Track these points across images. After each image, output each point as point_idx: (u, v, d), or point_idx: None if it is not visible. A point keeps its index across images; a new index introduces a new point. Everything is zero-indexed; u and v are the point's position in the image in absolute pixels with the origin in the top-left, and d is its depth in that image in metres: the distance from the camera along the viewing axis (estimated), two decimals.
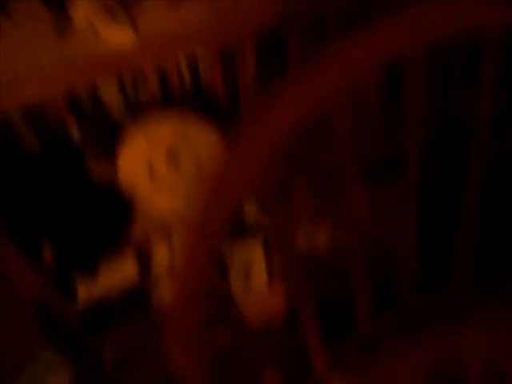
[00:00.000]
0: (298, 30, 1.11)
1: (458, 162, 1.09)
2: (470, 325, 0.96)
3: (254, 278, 1.47)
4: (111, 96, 1.17)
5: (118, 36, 0.89)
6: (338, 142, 0.75)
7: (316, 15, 1.01)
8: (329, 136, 0.75)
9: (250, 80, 1.15)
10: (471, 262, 0.96)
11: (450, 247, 1.02)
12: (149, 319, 1.48)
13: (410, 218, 0.86)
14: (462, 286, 0.99)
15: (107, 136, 1.22)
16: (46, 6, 0.91)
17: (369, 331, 0.96)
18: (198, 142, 1.22)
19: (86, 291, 1.39)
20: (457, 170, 1.07)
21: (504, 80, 0.83)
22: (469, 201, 0.88)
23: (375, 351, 0.97)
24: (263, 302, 1.52)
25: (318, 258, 1.37)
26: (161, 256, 1.41)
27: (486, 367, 0.90)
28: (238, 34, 0.98)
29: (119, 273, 1.40)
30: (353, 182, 0.78)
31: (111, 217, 1.27)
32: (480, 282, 1.01)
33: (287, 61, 1.16)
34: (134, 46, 0.90)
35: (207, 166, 1.21)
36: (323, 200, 1.34)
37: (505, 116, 1.14)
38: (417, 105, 0.78)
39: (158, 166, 1.22)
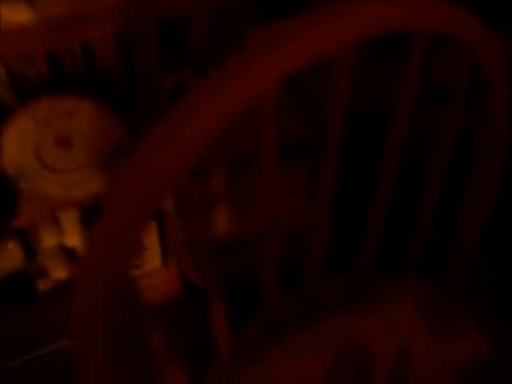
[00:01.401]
0: (202, 16, 1.08)
1: (374, 137, 1.13)
2: (376, 306, 0.99)
3: (148, 256, 1.45)
4: None
5: (16, 14, 0.81)
6: (258, 129, 0.74)
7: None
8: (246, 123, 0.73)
9: (149, 61, 1.11)
10: (377, 240, 0.99)
11: (354, 224, 1.04)
12: (35, 304, 1.42)
13: (323, 197, 0.87)
14: (367, 264, 1.02)
15: None
16: None
17: (274, 314, 0.96)
18: (91, 123, 1.16)
19: None
20: (371, 144, 1.10)
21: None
22: (382, 181, 0.90)
23: (280, 336, 0.97)
24: (157, 279, 1.50)
25: (225, 238, 1.36)
26: (48, 239, 1.34)
27: (395, 355, 0.93)
28: (138, 18, 0.93)
29: (3, 258, 1.33)
30: (268, 164, 0.76)
31: None
32: (384, 260, 1.04)
33: (188, 43, 1.13)
34: (32, 24, 0.83)
35: (100, 148, 1.16)
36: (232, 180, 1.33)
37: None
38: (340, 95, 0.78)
39: (47, 148, 1.15)
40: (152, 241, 1.42)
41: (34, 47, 0.89)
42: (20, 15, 0.82)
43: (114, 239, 0.64)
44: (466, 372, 0.93)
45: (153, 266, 1.48)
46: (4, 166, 1.14)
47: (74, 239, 1.36)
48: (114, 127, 1.17)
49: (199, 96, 0.66)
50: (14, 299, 1.40)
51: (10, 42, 0.87)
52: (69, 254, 1.39)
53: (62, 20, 0.85)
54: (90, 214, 1.36)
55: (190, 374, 1.19)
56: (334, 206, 0.90)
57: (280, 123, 0.78)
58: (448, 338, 0.97)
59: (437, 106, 1.23)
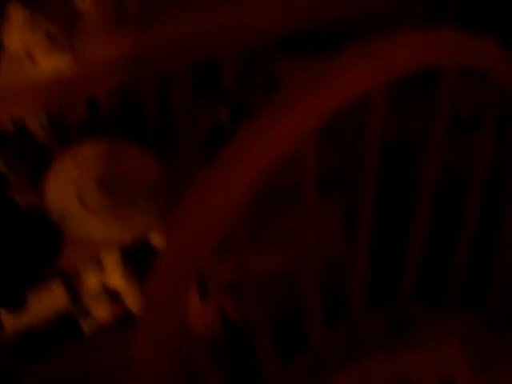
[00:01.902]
0: (234, 60, 1.11)
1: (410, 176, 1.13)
2: (418, 341, 0.98)
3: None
4: (36, 120, 1.13)
5: (55, 62, 0.84)
6: (300, 165, 0.75)
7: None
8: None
9: (185, 103, 1.14)
10: (417, 273, 0.98)
11: (395, 260, 1.04)
12: (80, 346, 1.44)
13: (362, 233, 0.87)
14: (408, 297, 1.01)
15: (33, 162, 1.17)
16: None
17: (319, 349, 0.96)
18: (130, 166, 1.19)
19: (13, 322, 1.33)
20: (408, 184, 1.10)
21: None
22: (419, 216, 0.90)
23: (326, 373, 0.97)
24: (194, 317, 1.51)
25: (270, 274, 1.37)
26: (90, 280, 1.37)
27: None
28: (172, 63, 0.96)
29: (48, 301, 1.35)
30: (308, 200, 0.77)
31: (38, 245, 1.21)
32: (425, 292, 1.03)
33: (222, 86, 1.16)
34: (71, 71, 0.86)
35: (139, 189, 1.19)
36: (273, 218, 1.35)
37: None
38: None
39: (89, 191, 1.18)
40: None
41: (73, 93, 0.92)
42: (59, 63, 0.85)
43: (173, 284, 0.66)
44: None
45: (191, 303, 1.49)
46: (48, 209, 1.17)
47: (115, 280, 1.38)
48: (152, 168, 1.19)
49: (247, 140, 0.69)
50: (60, 340, 1.42)
51: (50, 90, 0.90)
52: (112, 295, 1.41)
53: (101, 66, 0.88)
54: (130, 256, 1.39)
55: None
56: (372, 238, 0.90)
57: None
58: (492, 372, 0.95)
59: (469, 135, 1.23)
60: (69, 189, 1.18)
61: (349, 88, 0.72)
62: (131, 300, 1.41)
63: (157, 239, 1.34)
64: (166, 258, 0.67)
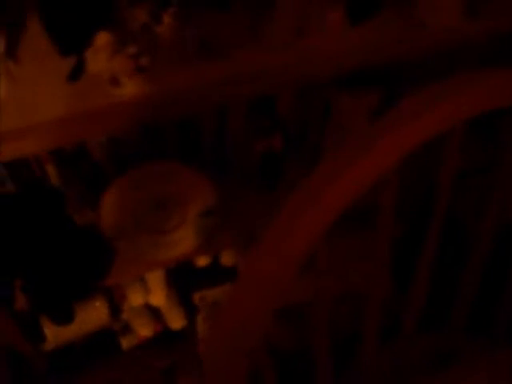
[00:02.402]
0: (289, 90, 1.13)
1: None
2: (464, 373, 1.00)
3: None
4: (95, 141, 1.16)
5: (139, 85, 0.88)
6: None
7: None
8: None
9: (240, 130, 1.17)
10: (469, 303, 1.01)
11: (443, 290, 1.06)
12: (118, 362, 1.46)
13: (382, 264, 0.90)
14: (457, 327, 1.03)
15: (91, 182, 1.20)
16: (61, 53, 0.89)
17: (367, 371, 0.98)
18: (185, 187, 1.22)
19: (55, 335, 1.35)
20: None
21: None
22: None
23: None
24: None
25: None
26: (135, 298, 1.39)
27: None
28: (237, 94, 0.99)
29: (90, 316, 1.37)
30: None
31: (91, 261, 1.23)
32: (474, 324, 1.05)
33: (277, 114, 1.19)
34: (153, 95, 0.90)
35: (192, 211, 1.21)
36: None
37: None
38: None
39: (144, 210, 1.21)
40: None
41: (149, 117, 0.95)
42: (144, 88, 0.88)
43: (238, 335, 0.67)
44: None
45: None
46: (103, 227, 1.19)
47: (158, 298, 1.40)
48: (206, 191, 1.22)
49: (322, 178, 0.71)
50: (100, 354, 1.44)
51: (133, 111, 0.92)
52: (153, 312, 1.44)
53: (181, 94, 0.91)
54: (174, 275, 1.41)
55: None
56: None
57: None
58: None
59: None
60: (124, 208, 1.21)
61: (428, 128, 0.75)
62: (172, 318, 1.44)
63: (202, 261, 1.36)
64: (236, 304, 0.67)
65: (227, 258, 1.37)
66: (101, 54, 0.86)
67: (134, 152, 1.23)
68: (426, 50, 1.02)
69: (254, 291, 0.67)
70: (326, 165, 0.72)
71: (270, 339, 0.87)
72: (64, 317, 1.29)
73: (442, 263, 1.17)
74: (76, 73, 0.89)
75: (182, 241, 1.21)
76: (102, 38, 0.86)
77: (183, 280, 1.43)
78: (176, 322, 1.43)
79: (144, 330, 1.41)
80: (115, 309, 1.41)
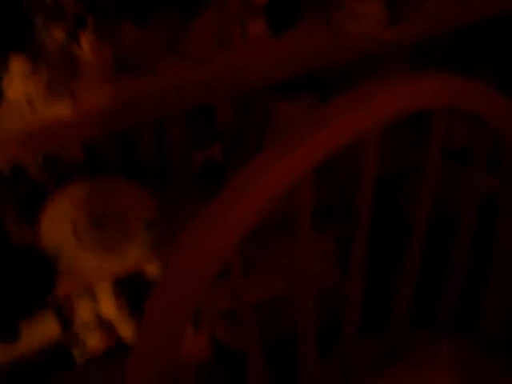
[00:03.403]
0: (229, 100, 1.13)
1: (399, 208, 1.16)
2: (412, 368, 1.00)
3: None
4: (31, 160, 1.14)
5: (55, 109, 0.86)
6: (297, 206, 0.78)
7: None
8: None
9: (178, 142, 1.16)
10: (410, 299, 1.01)
11: (387, 286, 1.06)
12: (73, 375, 1.45)
13: (355, 263, 0.89)
14: (400, 324, 1.03)
15: (28, 200, 1.18)
16: None
17: (311, 380, 0.98)
18: (125, 202, 1.21)
19: (4, 354, 1.34)
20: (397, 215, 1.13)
21: None
22: (411, 242, 0.93)
23: None
24: (187, 346, 1.52)
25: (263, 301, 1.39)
26: (84, 311, 1.38)
27: None
28: (168, 108, 0.98)
29: (40, 332, 1.36)
30: (304, 230, 0.80)
31: (33, 280, 1.22)
32: (417, 318, 1.06)
33: (216, 124, 1.18)
34: (71, 118, 0.88)
35: (133, 225, 1.20)
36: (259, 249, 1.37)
37: None
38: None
39: (84, 227, 1.19)
40: None
41: (72, 139, 0.93)
42: (62, 112, 0.87)
43: (169, 316, 0.68)
44: None
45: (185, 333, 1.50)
46: (42, 244, 1.18)
47: (108, 310, 1.39)
48: (146, 204, 1.21)
49: (244, 182, 0.71)
50: (53, 369, 1.42)
51: (50, 136, 0.91)
52: (104, 324, 1.42)
53: (99, 112, 0.90)
54: (123, 286, 1.40)
55: None
56: (365, 266, 0.93)
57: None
58: None
59: (460, 167, 1.27)
60: (64, 225, 1.19)
61: (345, 131, 0.75)
62: (124, 330, 1.42)
63: (150, 271, 1.35)
64: (161, 297, 0.69)
65: None
66: (16, 78, 0.84)
67: (73, 169, 1.21)
68: (351, 57, 1.02)
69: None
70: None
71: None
72: (9, 335, 1.28)
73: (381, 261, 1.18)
74: None
75: (127, 254, 1.20)
76: (17, 62, 0.84)
77: (133, 290, 1.42)
78: (128, 332, 1.41)
79: (95, 342, 1.40)
80: (65, 322, 1.40)
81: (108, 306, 1.39)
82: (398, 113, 0.80)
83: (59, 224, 1.19)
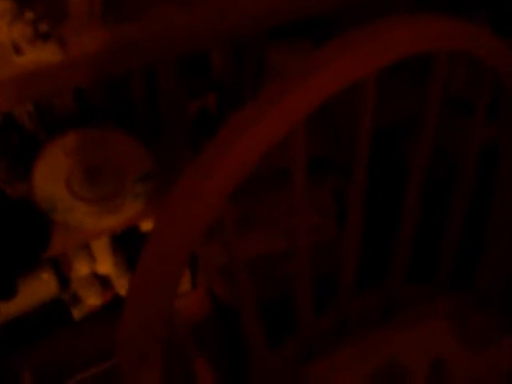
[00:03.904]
0: (222, 48, 1.10)
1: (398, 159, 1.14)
2: (408, 322, 0.99)
3: None
4: (22, 110, 1.11)
5: (41, 53, 0.84)
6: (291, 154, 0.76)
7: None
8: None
9: (172, 90, 1.13)
10: (407, 254, 1.00)
11: (385, 242, 1.05)
12: (70, 333, 1.45)
13: (352, 216, 0.88)
14: (397, 279, 1.02)
15: (21, 152, 1.16)
16: None
17: (307, 334, 0.97)
18: (118, 153, 1.19)
19: (2, 310, 1.33)
20: (396, 167, 1.11)
21: None
22: (409, 194, 0.91)
23: (316, 355, 0.98)
24: (187, 301, 1.52)
25: (260, 256, 1.38)
26: (80, 268, 1.37)
27: (431, 369, 0.93)
28: (159, 54, 0.95)
29: (38, 289, 1.35)
30: (298, 183, 0.78)
31: (27, 234, 1.21)
32: (415, 274, 1.05)
33: (210, 73, 1.16)
34: (59, 63, 0.86)
35: (128, 177, 1.18)
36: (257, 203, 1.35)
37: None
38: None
39: (77, 179, 1.18)
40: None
41: (62, 85, 0.91)
42: (49, 55, 0.85)
43: (161, 270, 0.67)
44: (503, 382, 0.94)
45: (183, 289, 1.50)
46: (36, 198, 1.16)
47: (105, 266, 1.38)
48: (140, 156, 1.19)
49: (238, 127, 0.69)
50: (52, 326, 1.42)
51: (38, 81, 0.89)
52: (101, 281, 1.42)
53: (86, 57, 0.87)
54: (120, 242, 1.39)
55: None
56: (363, 221, 0.91)
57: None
58: (483, 348, 0.97)
59: (461, 116, 1.24)
60: (57, 178, 1.17)
61: (339, 75, 0.73)
62: (121, 286, 1.42)
63: (146, 226, 1.34)
64: (155, 244, 0.67)
65: None
66: (1, 21, 0.81)
67: (65, 118, 1.19)
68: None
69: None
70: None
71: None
72: (6, 292, 1.27)
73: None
74: None
75: (123, 207, 1.19)
76: (2, 4, 0.81)
77: (130, 246, 1.41)
78: (125, 288, 1.41)
79: (93, 299, 1.39)
80: (63, 279, 1.39)
81: (105, 262, 1.38)
82: (396, 56, 0.77)
83: (52, 176, 1.17)
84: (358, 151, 0.81)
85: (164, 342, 0.70)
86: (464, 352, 0.95)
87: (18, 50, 0.83)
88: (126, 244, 1.40)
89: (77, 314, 1.43)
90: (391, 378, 0.95)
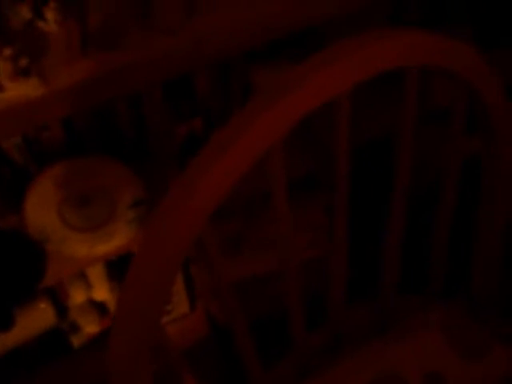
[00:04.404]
0: (207, 70, 1.11)
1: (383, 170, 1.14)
2: (403, 334, 1.00)
3: (176, 302, 1.47)
4: (12, 144, 1.13)
5: (22, 88, 0.85)
6: (269, 171, 0.77)
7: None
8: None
9: (158, 117, 1.15)
10: (397, 267, 1.00)
11: (373, 252, 1.05)
12: (70, 362, 1.45)
13: (338, 229, 0.89)
14: (389, 292, 1.03)
15: (11, 184, 1.17)
16: None
17: (302, 352, 0.97)
18: (108, 181, 1.20)
19: (0, 341, 1.33)
20: (382, 177, 1.11)
21: None
22: (394, 208, 0.92)
23: (312, 372, 0.98)
24: (185, 324, 1.52)
25: (249, 278, 1.39)
26: (77, 295, 1.37)
27: (426, 379, 0.94)
28: (142, 81, 0.97)
29: (36, 319, 1.35)
30: (281, 204, 0.79)
31: (22, 266, 1.21)
32: (406, 286, 1.05)
33: (196, 96, 1.17)
34: (41, 97, 0.87)
35: (119, 204, 1.19)
36: (249, 223, 1.36)
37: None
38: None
39: (69, 209, 1.18)
40: (179, 287, 1.45)
41: (45, 117, 0.92)
42: (30, 90, 0.86)
43: (145, 293, 0.67)
44: None
45: (181, 311, 1.50)
46: (28, 229, 1.17)
47: (102, 293, 1.38)
48: (131, 182, 1.20)
49: (214, 150, 0.70)
50: (51, 355, 1.43)
51: (21, 115, 0.90)
52: (99, 308, 1.42)
53: (68, 88, 0.89)
54: (116, 268, 1.39)
55: None
56: (351, 236, 0.92)
57: (290, 161, 0.81)
58: (478, 357, 0.97)
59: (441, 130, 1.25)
60: (49, 208, 1.18)
61: (316, 91, 0.74)
62: None
63: None
64: (139, 264, 0.68)
65: None
66: None
67: (55, 149, 1.20)
68: (329, 15, 1.00)
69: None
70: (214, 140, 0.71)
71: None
72: (3, 323, 1.28)
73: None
74: None
75: (115, 234, 1.19)
76: None
77: (126, 271, 1.41)
78: None
79: (91, 326, 1.40)
80: (61, 308, 1.40)
81: (101, 289, 1.38)
82: (370, 71, 0.78)
83: (44, 207, 1.18)
84: (337, 165, 0.82)
85: (155, 365, 0.71)
86: (459, 362, 0.95)
87: None
88: (122, 269, 1.40)
89: (76, 342, 1.43)
90: None
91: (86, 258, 1.20)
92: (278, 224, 0.81)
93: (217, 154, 0.71)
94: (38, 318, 1.36)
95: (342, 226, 0.88)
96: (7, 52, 0.82)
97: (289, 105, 0.73)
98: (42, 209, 1.18)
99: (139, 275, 0.68)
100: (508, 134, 0.89)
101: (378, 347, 0.99)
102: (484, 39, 1.28)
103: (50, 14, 0.84)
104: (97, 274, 1.36)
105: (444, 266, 1.03)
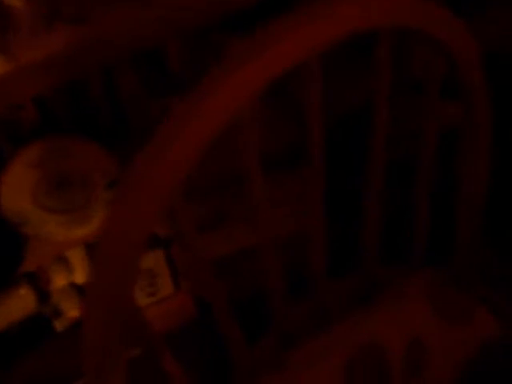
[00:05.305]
0: (177, 41, 1.09)
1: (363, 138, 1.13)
2: (385, 304, 0.99)
3: (160, 283, 1.46)
4: None
5: None
6: (243, 144, 0.75)
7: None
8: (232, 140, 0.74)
9: (132, 95, 1.13)
10: (378, 236, 1.00)
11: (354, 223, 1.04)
12: (54, 344, 1.44)
13: (316, 204, 0.88)
14: (371, 262, 1.02)
15: None
16: None
17: (284, 326, 0.97)
18: (84, 161, 1.18)
19: None
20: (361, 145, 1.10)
21: None
22: (372, 176, 0.91)
23: (295, 344, 0.98)
24: (170, 305, 1.52)
25: (228, 256, 1.38)
26: (58, 280, 1.36)
27: (408, 349, 0.93)
28: (112, 56, 0.95)
29: (16, 305, 1.34)
30: (256, 179, 0.78)
31: (0, 250, 1.20)
32: (389, 256, 1.05)
33: (169, 70, 1.15)
34: (7, 73, 0.85)
35: (95, 184, 1.18)
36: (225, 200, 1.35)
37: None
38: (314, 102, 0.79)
39: (45, 191, 1.17)
40: (162, 268, 1.43)
41: (15, 95, 0.90)
42: None
43: (113, 270, 0.66)
44: (479, 356, 0.94)
45: (166, 292, 1.49)
46: (5, 213, 1.15)
47: (83, 276, 1.37)
48: (106, 162, 1.18)
49: (179, 119, 0.68)
50: (34, 341, 1.41)
51: None
52: (81, 291, 1.41)
53: (36, 64, 0.87)
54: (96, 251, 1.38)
55: None
56: (329, 208, 0.91)
57: (267, 133, 0.79)
58: (460, 324, 0.97)
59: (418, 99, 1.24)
60: (25, 191, 1.16)
61: (283, 56, 0.72)
62: None
63: None
64: (105, 239, 0.67)
65: None
66: None
67: (30, 130, 1.18)
68: None
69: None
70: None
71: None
72: None
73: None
74: None
75: (94, 215, 1.18)
76: None
77: None
78: None
79: (73, 310, 1.39)
80: (43, 294, 1.38)
81: (82, 273, 1.37)
82: (341, 34, 0.77)
83: (20, 190, 1.16)
84: (310, 133, 0.80)
85: (130, 345, 0.69)
86: (441, 328, 0.95)
87: None
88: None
89: (59, 326, 1.42)
90: (371, 360, 0.94)
91: (65, 240, 1.19)
92: (252, 196, 0.80)
93: (179, 124, 0.68)
94: (18, 303, 1.35)
95: (317, 194, 0.86)
96: None
97: (254, 69, 0.70)
98: (18, 192, 1.16)
99: (105, 250, 0.67)
100: (483, 95, 0.88)
101: (360, 317, 0.99)
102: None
103: None
104: (77, 257, 1.35)
105: (426, 235, 1.02)
